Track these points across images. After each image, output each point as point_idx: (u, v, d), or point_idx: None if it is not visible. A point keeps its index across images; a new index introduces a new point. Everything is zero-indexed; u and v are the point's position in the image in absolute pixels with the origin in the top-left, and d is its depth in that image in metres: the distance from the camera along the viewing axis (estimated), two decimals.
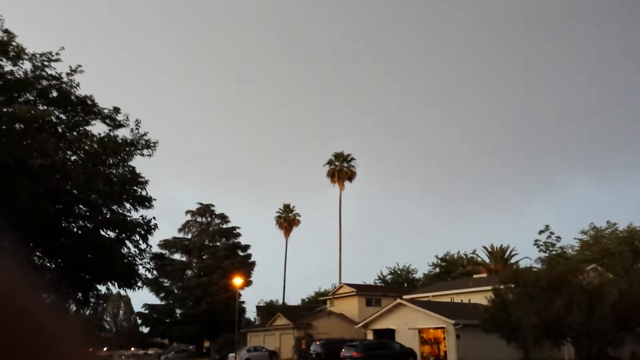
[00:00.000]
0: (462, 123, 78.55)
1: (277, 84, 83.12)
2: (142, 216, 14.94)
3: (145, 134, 14.56)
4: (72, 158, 13.42)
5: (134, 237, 14.79)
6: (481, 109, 77.81)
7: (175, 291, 45.81)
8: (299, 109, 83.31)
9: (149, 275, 16.17)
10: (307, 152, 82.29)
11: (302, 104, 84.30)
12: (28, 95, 13.11)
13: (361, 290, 38.53)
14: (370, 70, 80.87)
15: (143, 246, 14.90)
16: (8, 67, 12.91)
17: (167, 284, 45.86)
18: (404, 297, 31.19)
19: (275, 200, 71.86)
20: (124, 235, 14.72)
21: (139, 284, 15.26)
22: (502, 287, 21.03)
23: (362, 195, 69.73)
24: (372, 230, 76.61)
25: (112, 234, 14.61)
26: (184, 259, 47.14)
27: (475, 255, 47.71)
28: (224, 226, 47.43)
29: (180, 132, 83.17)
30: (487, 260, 43.68)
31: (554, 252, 39.18)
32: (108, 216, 14.48)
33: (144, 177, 14.90)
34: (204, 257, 46.82)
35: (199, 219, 47.89)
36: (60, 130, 13.43)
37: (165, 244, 45.93)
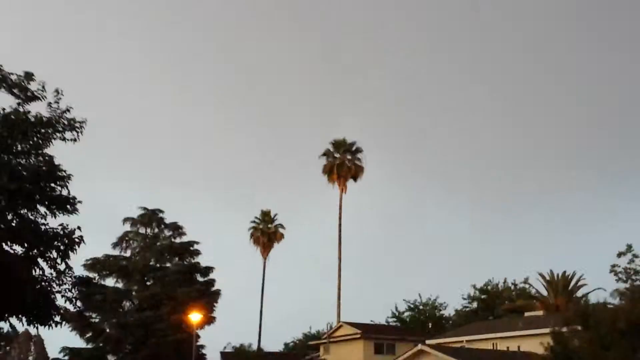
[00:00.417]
0: (512, 109, 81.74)
1: (262, 55, 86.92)
2: (62, 225, 14.79)
3: (68, 110, 14.48)
4: None
5: (49, 253, 14.56)
6: (549, 92, 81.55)
7: (108, 330, 45.26)
8: (287, 88, 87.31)
9: (71, 308, 15.83)
10: (297, 144, 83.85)
11: (290, 82, 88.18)
12: None
13: (368, 331, 38.77)
14: (388, 35, 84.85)
15: (62, 267, 14.69)
16: None
17: (96, 320, 45.38)
18: (428, 342, 31.64)
19: (251, 207, 72.66)
20: (35, 251, 14.47)
21: (57, 319, 15.00)
22: (565, 329, 21.09)
23: (372, 201, 67.02)
24: (385, 248, 77.02)
25: (18, 249, 14.36)
26: (120, 285, 46.65)
27: (527, 286, 48.71)
28: (178, 240, 47.37)
29: (126, 112, 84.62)
30: (544, 293, 44.40)
31: (639, 282, 40.50)
32: (13, 224, 14.24)
33: (65, 171, 14.75)
34: (148, 282, 46.56)
35: (142, 230, 47.46)
36: None
37: (94, 265, 45.26)
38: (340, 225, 48.76)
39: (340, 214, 48.91)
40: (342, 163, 49.34)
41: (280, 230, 53.18)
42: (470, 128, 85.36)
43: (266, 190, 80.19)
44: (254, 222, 53.52)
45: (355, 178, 49.65)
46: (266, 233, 52.57)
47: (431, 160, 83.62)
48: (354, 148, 50.22)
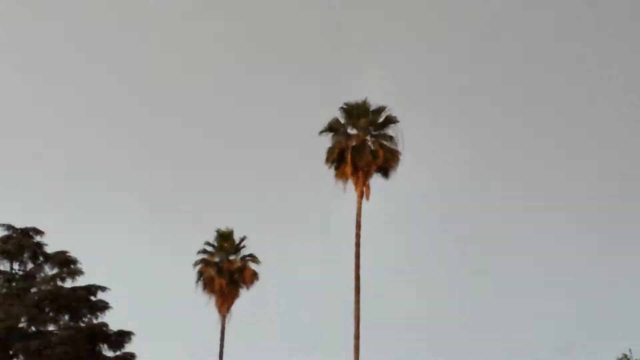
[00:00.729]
0: None
1: None
2: None
3: None
4: None
5: None
6: None
7: None
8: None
9: None
10: (281, 115, 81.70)
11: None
12: None
13: None
14: None
15: None
16: None
17: None
18: None
19: (199, 225, 64.20)
20: None
21: None
22: None
23: (412, 210, 63.54)
24: (434, 298, 71.36)
25: None
26: None
27: None
28: (70, 284, 43.49)
29: None
30: None
31: None
32: None
33: None
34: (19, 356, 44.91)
35: (4, 266, 44.15)
36: None
37: None
38: (357, 257, 43.17)
39: (358, 237, 43.28)
40: (362, 144, 43.96)
41: (252, 265, 50.80)
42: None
43: (226, 197, 74.10)
44: (205, 251, 50.75)
45: (385, 170, 44.12)
46: (225, 271, 49.74)
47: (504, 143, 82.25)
48: (381, 117, 44.25)
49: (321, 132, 45.56)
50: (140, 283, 62.65)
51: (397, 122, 45.27)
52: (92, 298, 42.66)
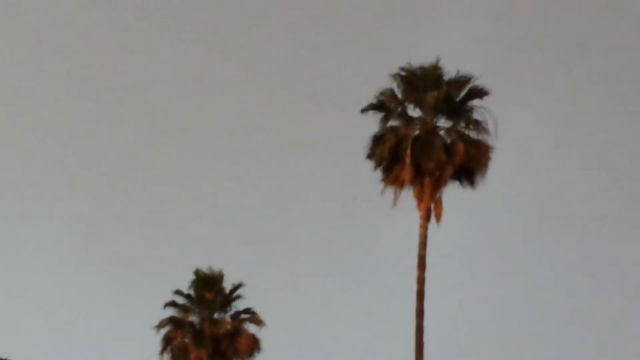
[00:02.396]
0: None
1: None
2: None
3: None
4: None
5: None
6: None
7: None
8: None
9: None
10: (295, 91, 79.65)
11: None
12: None
13: None
14: None
15: None
16: None
17: None
18: None
19: (170, 269, 58.85)
20: None
21: None
22: None
23: (506, 237, 64.48)
24: None
25: None
26: None
27: None
28: None
29: None
30: None
31: None
32: None
33: None
34: None
35: None
36: None
37: None
38: (420, 314, 37.24)
39: (421, 282, 37.36)
40: (431, 133, 38.02)
41: (250, 328, 45.20)
42: None
43: (210, 220, 69.80)
44: (175, 304, 45.23)
45: (468, 175, 38.00)
46: (207, 337, 44.42)
47: None
48: (463, 91, 37.89)
49: (364, 110, 37.93)
50: (72, 353, 57.68)
51: (487, 93, 37.78)
52: None
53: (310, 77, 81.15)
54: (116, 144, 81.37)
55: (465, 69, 38.93)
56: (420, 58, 39.17)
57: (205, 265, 46.04)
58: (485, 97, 37.79)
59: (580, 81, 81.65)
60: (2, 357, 41.99)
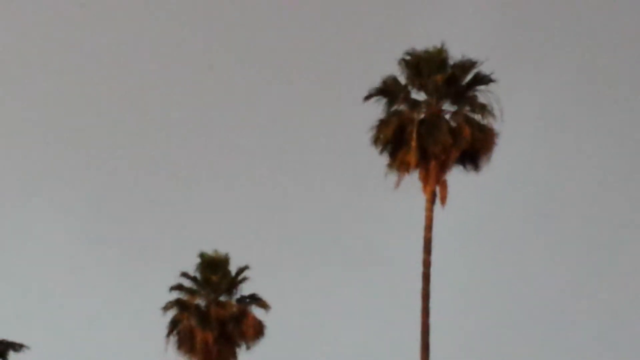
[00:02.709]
0: None
1: None
2: None
3: None
4: None
5: None
6: None
7: None
8: None
9: None
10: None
11: None
12: None
13: None
14: None
15: None
16: None
17: None
18: None
19: (176, 252, 58.20)
20: None
21: None
22: None
23: (511, 220, 65.28)
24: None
25: None
26: None
27: None
28: None
29: None
30: None
31: None
32: None
33: None
34: None
35: None
36: None
37: None
38: (425, 298, 38.28)
39: (426, 265, 38.23)
40: (436, 117, 39.14)
41: (255, 311, 44.57)
42: None
43: (216, 204, 70.23)
44: (181, 287, 44.57)
45: (472, 159, 39.04)
46: (213, 320, 43.71)
47: None
48: (468, 75, 38.93)
49: (368, 97, 38.58)
50: (78, 338, 58.82)
51: (493, 81, 38.45)
52: None
53: (315, 64, 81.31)
54: (123, 130, 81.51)
55: (471, 53, 39.65)
56: (425, 42, 39.60)
57: (210, 248, 45.33)
58: (489, 82, 38.28)
59: (587, 65, 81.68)
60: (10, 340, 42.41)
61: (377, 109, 39.23)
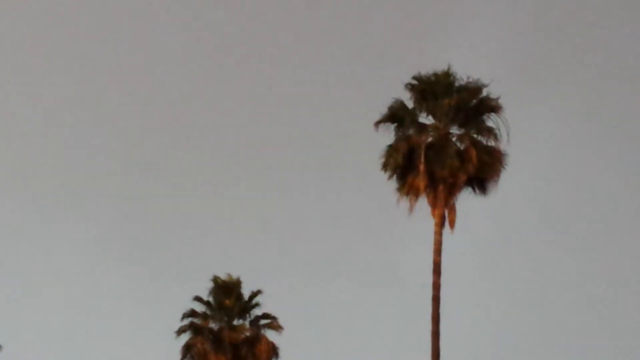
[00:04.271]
0: None
1: None
2: None
3: None
4: None
5: None
6: None
7: None
8: None
9: None
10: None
11: None
12: None
13: None
14: None
15: None
16: None
17: None
18: None
19: (190, 276, 59.13)
20: None
21: None
22: None
23: (521, 243, 67.31)
24: None
25: None
26: None
27: None
28: None
29: None
30: None
31: None
32: None
33: None
34: None
35: None
36: None
37: None
38: (436, 321, 37.88)
39: (436, 288, 38.10)
40: (444, 141, 38.93)
41: (269, 334, 45.81)
42: None
43: (230, 229, 70.51)
44: (194, 313, 46.10)
45: (480, 182, 38.93)
46: (226, 343, 45.34)
47: None
48: (474, 99, 39.28)
49: (378, 123, 38.60)
50: None
51: (500, 108, 38.80)
52: None
53: (324, 89, 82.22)
54: (137, 151, 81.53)
55: (478, 74, 39.61)
56: (432, 65, 39.75)
57: (223, 271, 46.57)
58: (497, 108, 38.80)
59: (595, 85, 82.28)
60: None
61: (388, 133, 39.31)
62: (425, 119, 38.68)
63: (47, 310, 63.94)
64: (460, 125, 38.65)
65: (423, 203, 37.90)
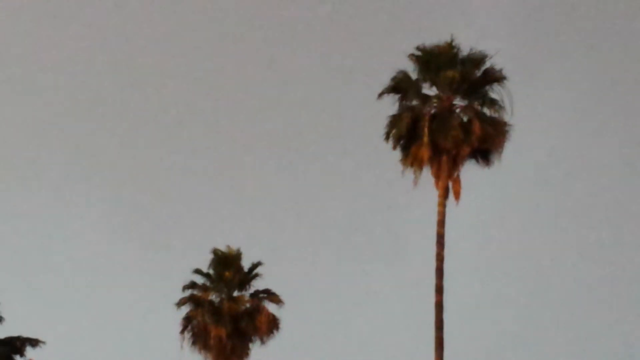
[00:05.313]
0: None
1: None
2: None
3: None
4: None
5: None
6: None
7: None
8: None
9: None
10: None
11: None
12: None
13: None
14: None
15: None
16: None
17: None
18: None
19: (190, 247, 59.79)
20: None
21: None
22: None
23: (525, 213, 66.86)
24: None
25: None
26: None
27: None
28: None
29: None
30: None
31: None
32: None
33: None
34: None
35: None
36: None
37: None
38: (439, 291, 38.85)
39: (440, 259, 38.72)
40: (447, 112, 39.56)
41: (269, 306, 45.35)
42: None
43: (229, 199, 71.13)
44: (194, 285, 45.55)
45: (484, 154, 39.59)
46: (226, 315, 44.69)
47: None
48: (479, 70, 39.60)
49: (381, 94, 39.29)
50: (94, 334, 59.41)
51: (504, 78, 39.08)
52: (18, 358, 42.78)
53: (328, 60, 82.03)
54: (137, 127, 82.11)
55: (481, 46, 40.50)
56: (436, 37, 40.30)
57: (223, 243, 46.24)
58: (501, 78, 39.13)
59: (600, 58, 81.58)
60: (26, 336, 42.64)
61: (390, 105, 39.81)
62: (429, 90, 39.00)
63: (46, 283, 63.45)
64: (464, 97, 39.09)
65: (427, 175, 38.51)
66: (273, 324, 44.99)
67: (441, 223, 37.91)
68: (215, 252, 45.71)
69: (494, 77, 39.42)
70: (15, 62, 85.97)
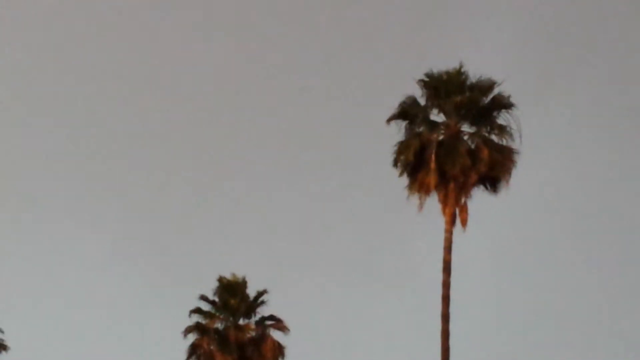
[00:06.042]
0: None
1: None
2: None
3: None
4: None
5: None
6: None
7: None
8: None
9: None
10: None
11: None
12: None
13: None
14: None
15: None
16: None
17: None
18: None
19: (197, 276, 58.64)
20: None
21: None
22: None
23: (535, 240, 67.30)
24: None
25: None
26: None
27: None
28: None
29: None
30: None
31: None
32: None
33: None
34: None
35: None
36: None
37: None
38: (446, 319, 37.97)
39: (446, 287, 38.02)
40: (455, 138, 38.98)
41: (274, 334, 45.94)
42: None
43: (236, 228, 70.93)
44: (200, 311, 46.14)
45: (492, 181, 38.88)
46: (232, 343, 45.47)
47: None
48: (487, 97, 39.10)
49: (390, 120, 38.65)
50: None
51: (512, 105, 38.69)
52: None
53: (335, 87, 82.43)
54: (144, 152, 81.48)
55: (490, 72, 39.57)
56: (445, 63, 40.00)
57: (228, 271, 46.56)
58: (509, 105, 38.85)
59: (607, 83, 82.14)
60: None
61: (398, 130, 39.13)
62: (437, 116, 38.72)
63: (54, 310, 63.93)
64: (472, 123, 38.66)
65: (434, 201, 38.01)
66: (279, 351, 45.55)
67: (448, 250, 37.35)
68: (221, 280, 46.11)
69: (502, 103, 38.86)
70: (17, 69, 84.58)
